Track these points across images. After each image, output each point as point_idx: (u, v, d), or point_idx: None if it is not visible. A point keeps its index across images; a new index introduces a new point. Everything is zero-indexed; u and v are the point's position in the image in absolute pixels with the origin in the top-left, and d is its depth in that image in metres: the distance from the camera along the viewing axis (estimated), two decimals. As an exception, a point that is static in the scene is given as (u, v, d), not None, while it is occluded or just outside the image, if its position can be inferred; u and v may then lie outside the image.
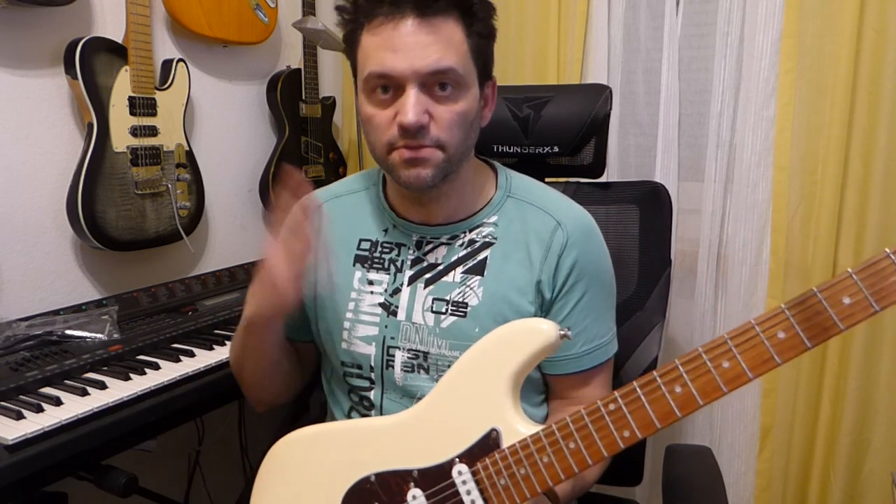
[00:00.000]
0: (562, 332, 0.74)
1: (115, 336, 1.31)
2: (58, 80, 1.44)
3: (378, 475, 0.79)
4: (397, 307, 0.94)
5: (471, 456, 0.74)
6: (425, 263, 0.95)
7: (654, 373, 0.66)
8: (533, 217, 0.95)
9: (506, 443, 0.73)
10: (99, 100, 1.41)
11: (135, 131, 1.47)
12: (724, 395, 0.64)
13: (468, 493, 0.74)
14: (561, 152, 1.29)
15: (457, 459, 0.75)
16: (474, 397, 0.76)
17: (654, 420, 0.65)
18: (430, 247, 0.95)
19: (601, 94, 1.27)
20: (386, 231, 0.98)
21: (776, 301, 1.58)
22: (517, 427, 0.73)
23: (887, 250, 0.59)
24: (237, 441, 1.78)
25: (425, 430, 0.79)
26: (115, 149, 1.43)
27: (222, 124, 1.85)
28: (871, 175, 1.47)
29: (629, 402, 0.66)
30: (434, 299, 0.93)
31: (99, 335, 1.30)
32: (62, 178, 1.43)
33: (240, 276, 1.71)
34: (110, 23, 1.52)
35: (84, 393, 1.09)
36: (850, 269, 0.60)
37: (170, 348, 1.31)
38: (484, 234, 0.94)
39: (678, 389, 0.64)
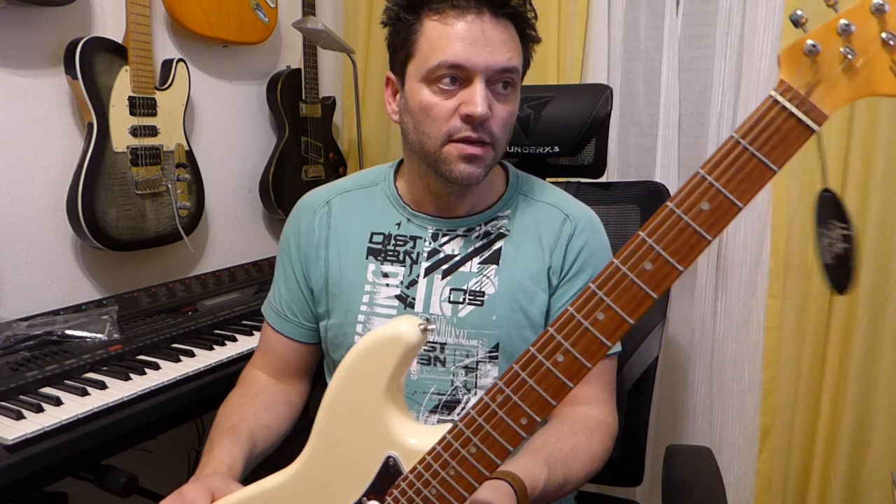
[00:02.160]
0: (422, 326, 0.68)
1: (115, 336, 1.31)
2: (58, 80, 1.44)
3: None
4: (414, 299, 0.95)
5: (377, 490, 0.70)
6: (442, 255, 0.96)
7: (531, 348, 0.61)
8: (543, 212, 0.99)
9: (407, 466, 0.68)
10: (99, 100, 1.41)
11: (135, 131, 1.47)
12: (609, 349, 0.60)
13: None
14: (561, 152, 1.29)
15: (364, 499, 0.71)
16: (359, 427, 0.71)
17: (547, 398, 0.60)
18: (446, 238, 0.96)
19: (601, 94, 1.27)
20: (399, 224, 0.98)
21: (776, 301, 1.58)
22: (412, 445, 0.69)
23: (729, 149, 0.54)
24: (237, 441, 1.78)
25: (324, 476, 0.73)
26: (115, 149, 1.43)
27: (222, 124, 1.85)
28: (871, 175, 1.47)
29: (515, 388, 0.61)
30: (452, 289, 0.94)
31: (99, 335, 1.30)
32: (62, 178, 1.43)
33: (240, 276, 1.71)
34: (110, 23, 1.52)
35: (84, 393, 1.09)
36: (700, 171, 0.55)
37: (170, 348, 1.31)
38: (498, 226, 0.97)
39: (560, 358, 0.60)
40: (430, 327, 0.69)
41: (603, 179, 1.35)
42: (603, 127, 1.28)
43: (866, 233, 1.48)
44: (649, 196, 1.26)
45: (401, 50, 0.91)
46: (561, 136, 1.28)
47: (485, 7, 0.84)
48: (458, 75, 0.85)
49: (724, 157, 0.55)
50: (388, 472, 0.69)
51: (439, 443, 0.66)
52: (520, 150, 1.31)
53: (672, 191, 1.34)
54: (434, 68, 0.85)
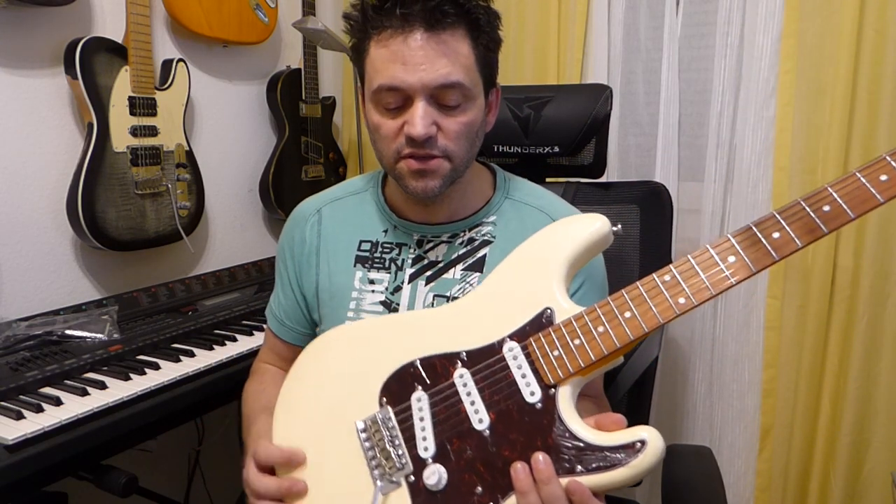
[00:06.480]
0: (615, 228, 0.76)
1: (115, 336, 1.31)
2: (58, 80, 1.44)
3: (423, 360, 0.79)
4: (398, 304, 0.95)
5: (523, 334, 0.74)
6: (426, 261, 0.96)
7: (708, 246, 0.69)
8: (530, 216, 0.97)
9: (559, 319, 0.73)
10: (99, 100, 1.41)
11: (135, 131, 1.47)
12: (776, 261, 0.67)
13: (519, 367, 0.73)
14: (561, 152, 1.29)
15: (507, 338, 0.75)
16: (525, 285, 0.77)
17: (709, 287, 0.68)
18: (430, 245, 0.96)
19: (601, 94, 1.27)
20: (386, 232, 0.99)
21: (776, 301, 1.58)
22: (570, 307, 0.74)
23: None
24: (237, 441, 1.78)
25: (473, 316, 0.79)
26: (115, 149, 1.43)
27: (222, 124, 1.85)
28: (871, 175, 1.47)
29: (684, 272, 0.69)
30: (435, 296, 0.94)
31: (99, 335, 1.30)
32: (62, 178, 1.43)
33: (240, 276, 1.71)
34: (110, 23, 1.52)
35: (84, 393, 1.09)
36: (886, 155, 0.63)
37: (170, 348, 1.31)
38: (483, 232, 0.96)
39: (731, 259, 0.68)
40: (619, 230, 0.77)
41: (603, 179, 1.35)
42: (603, 127, 1.28)
43: (866, 232, 1.48)
44: (649, 196, 1.26)
45: (358, 68, 0.92)
46: (561, 136, 1.28)
47: (418, 23, 0.82)
48: (398, 97, 0.85)
49: None
50: (541, 322, 0.75)
51: (598, 304, 0.72)
52: (520, 150, 1.31)
53: (672, 191, 1.34)
54: (375, 91, 0.86)
